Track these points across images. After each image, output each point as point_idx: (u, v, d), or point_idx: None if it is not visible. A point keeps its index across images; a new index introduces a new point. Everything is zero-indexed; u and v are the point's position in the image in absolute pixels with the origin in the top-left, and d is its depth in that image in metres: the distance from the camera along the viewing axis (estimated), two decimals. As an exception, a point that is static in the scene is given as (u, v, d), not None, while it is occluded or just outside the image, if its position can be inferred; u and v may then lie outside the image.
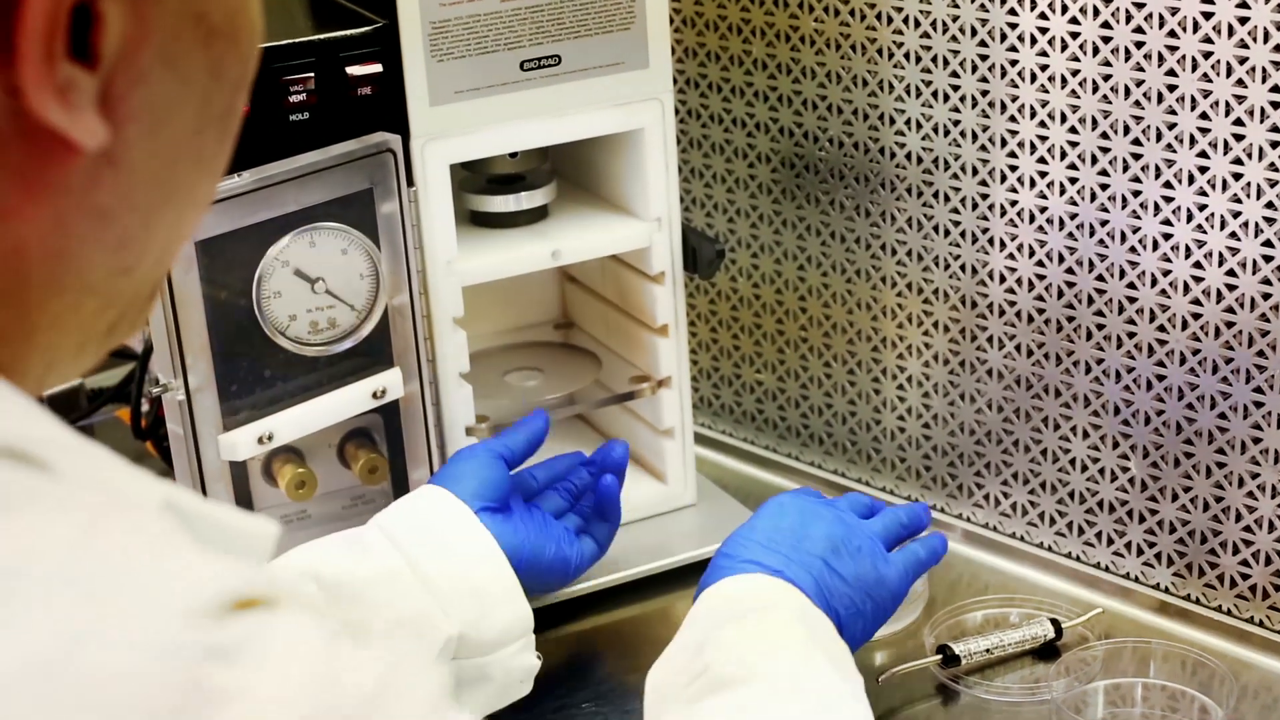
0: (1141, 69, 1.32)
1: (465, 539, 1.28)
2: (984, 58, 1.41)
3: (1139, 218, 1.36)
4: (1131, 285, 1.38)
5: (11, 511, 0.55)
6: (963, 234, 1.47)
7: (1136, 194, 1.36)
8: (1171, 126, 1.32)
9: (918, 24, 1.44)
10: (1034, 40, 1.37)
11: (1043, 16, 1.36)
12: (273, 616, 0.55)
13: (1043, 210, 1.42)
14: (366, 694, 0.56)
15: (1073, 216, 1.40)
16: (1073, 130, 1.38)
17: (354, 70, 1.33)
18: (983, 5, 1.40)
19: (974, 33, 1.41)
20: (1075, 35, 1.35)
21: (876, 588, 1.22)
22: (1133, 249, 1.37)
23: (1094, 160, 1.37)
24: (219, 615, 0.54)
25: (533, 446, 1.38)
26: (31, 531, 0.54)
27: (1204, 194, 1.32)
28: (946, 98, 1.45)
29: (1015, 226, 1.44)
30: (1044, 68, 1.38)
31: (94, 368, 0.67)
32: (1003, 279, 1.46)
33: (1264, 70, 1.26)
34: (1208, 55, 1.28)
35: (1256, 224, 1.30)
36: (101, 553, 0.55)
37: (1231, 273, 1.32)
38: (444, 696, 0.59)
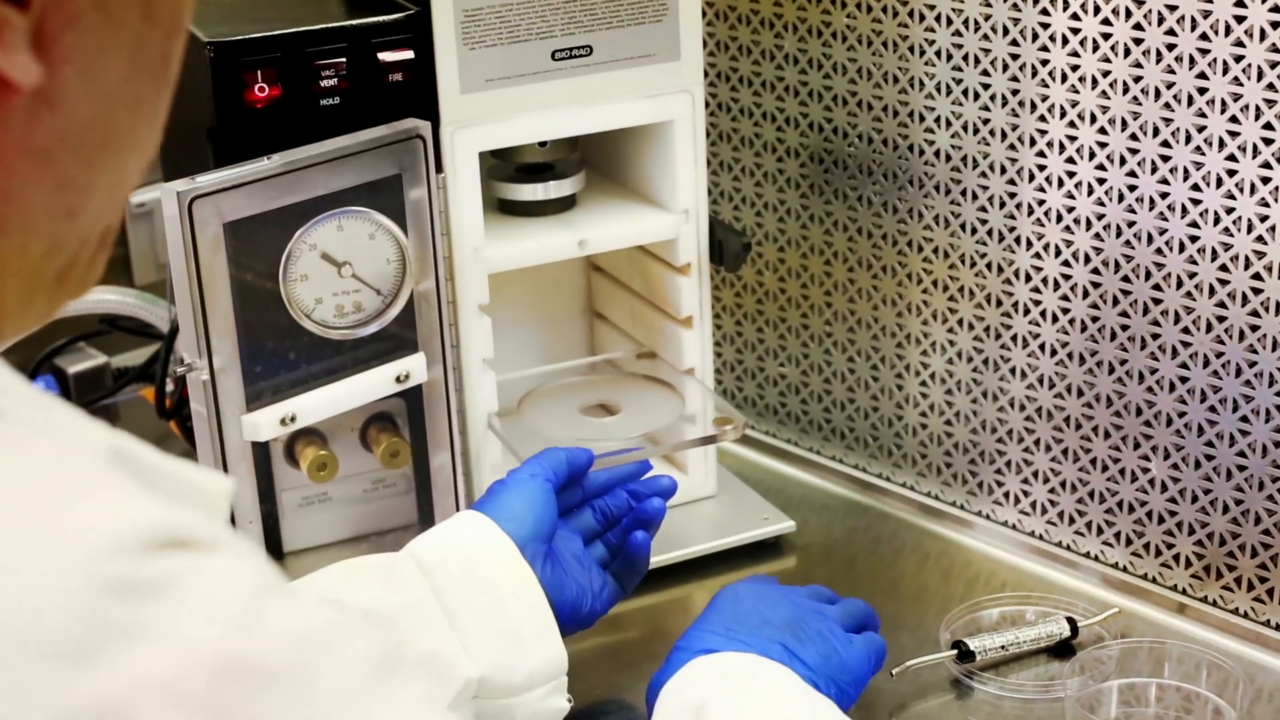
0: (1172, 71, 1.32)
1: (503, 574, 1.20)
2: (1015, 57, 1.41)
3: (1166, 220, 1.36)
4: (1157, 287, 1.38)
5: None
6: (989, 232, 1.48)
7: (1164, 195, 1.36)
8: (1201, 129, 1.32)
9: (949, 22, 1.44)
10: (1065, 40, 1.37)
11: (1075, 17, 1.36)
12: (203, 560, 0.55)
13: (1070, 210, 1.42)
14: (289, 650, 0.55)
15: (1100, 217, 1.40)
16: (1102, 131, 1.38)
17: (386, 56, 1.34)
18: (1015, 4, 1.40)
19: (1005, 31, 1.41)
20: (1107, 36, 1.35)
21: (839, 672, 1.20)
22: (1159, 251, 1.37)
23: (1122, 161, 1.37)
24: (143, 553, 0.54)
25: (575, 477, 1.31)
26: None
27: (1231, 197, 1.32)
28: (976, 96, 1.45)
29: (1042, 226, 1.44)
30: (1075, 68, 1.38)
31: (50, 321, 0.68)
32: (1028, 278, 1.46)
33: (1294, 75, 1.26)
34: (1239, 59, 1.28)
35: (1283, 228, 1.30)
36: (34, 489, 0.55)
37: (1257, 276, 1.32)
38: (384, 664, 0.58)
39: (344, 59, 1.33)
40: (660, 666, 1.18)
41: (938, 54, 1.46)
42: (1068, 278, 1.43)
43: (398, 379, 1.36)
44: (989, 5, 1.41)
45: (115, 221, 0.68)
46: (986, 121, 1.45)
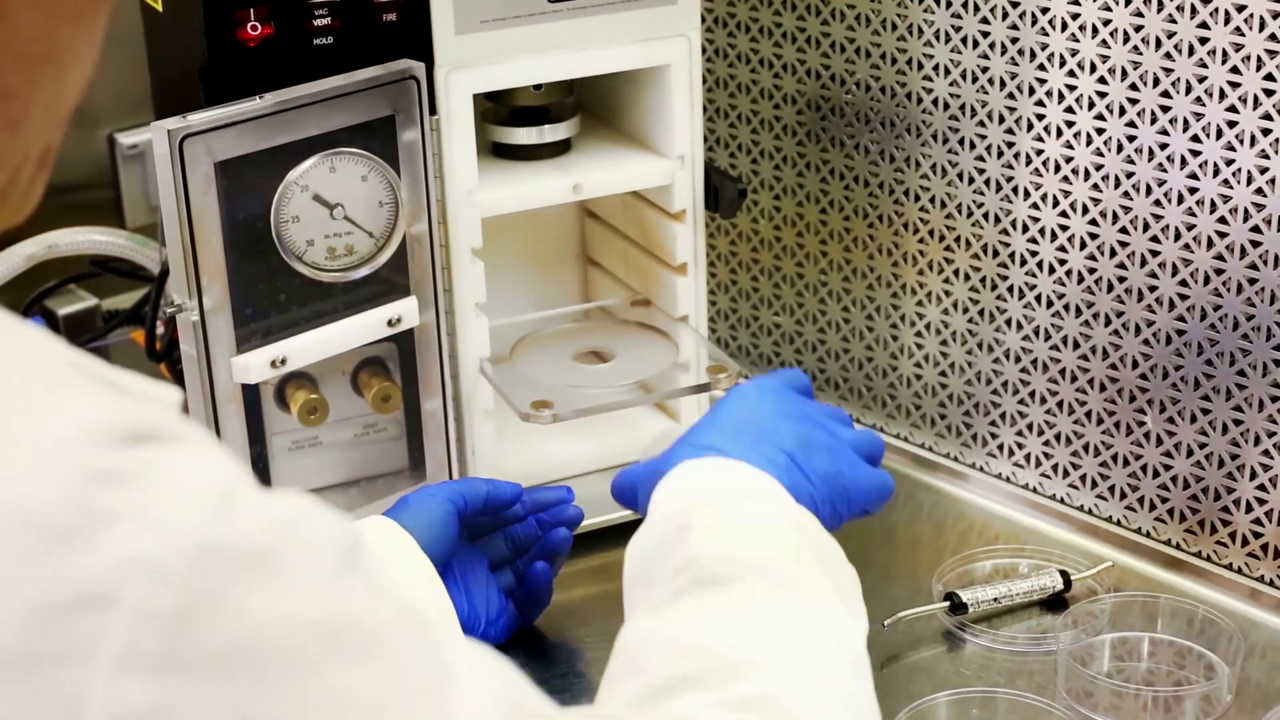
0: (1174, 20, 1.31)
1: (401, 565, 1.21)
2: (1015, 4, 1.40)
3: (1164, 171, 1.35)
4: (1155, 239, 1.37)
5: None
6: (987, 182, 1.47)
7: (1163, 147, 1.35)
8: (1201, 80, 1.31)
9: (949, -32, 1.43)
10: (1066, -12, 1.36)
11: (1076, -36, 1.35)
12: (175, 450, 0.56)
13: (1068, 160, 1.41)
14: (264, 537, 0.57)
15: (1098, 168, 1.39)
16: (1101, 80, 1.37)
17: (380, -4, 1.33)
18: (1015, -49, 1.39)
19: (1006, -21, 1.40)
20: (1108, -16, 1.34)
21: (840, 498, 1.14)
22: (1157, 202, 1.36)
23: (1122, 111, 1.36)
24: (118, 444, 0.55)
25: (491, 511, 1.31)
26: None
27: (1231, 149, 1.31)
28: (976, 44, 1.44)
29: (1040, 176, 1.43)
30: (1075, 16, 1.36)
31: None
32: (1025, 228, 1.45)
33: (1297, 25, 1.25)
34: (1241, 8, 1.27)
35: (1283, 181, 1.29)
36: (5, 385, 0.56)
37: (1256, 229, 1.31)
38: (352, 552, 0.60)
39: (338, -2, 1.31)
40: (664, 453, 1.14)
41: (937, 1, 1.45)
42: (1065, 228, 1.42)
43: (389, 323, 1.35)
44: (990, -48, 1.40)
45: (55, 142, 0.68)
46: (985, 70, 1.44)
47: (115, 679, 0.53)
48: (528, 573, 1.32)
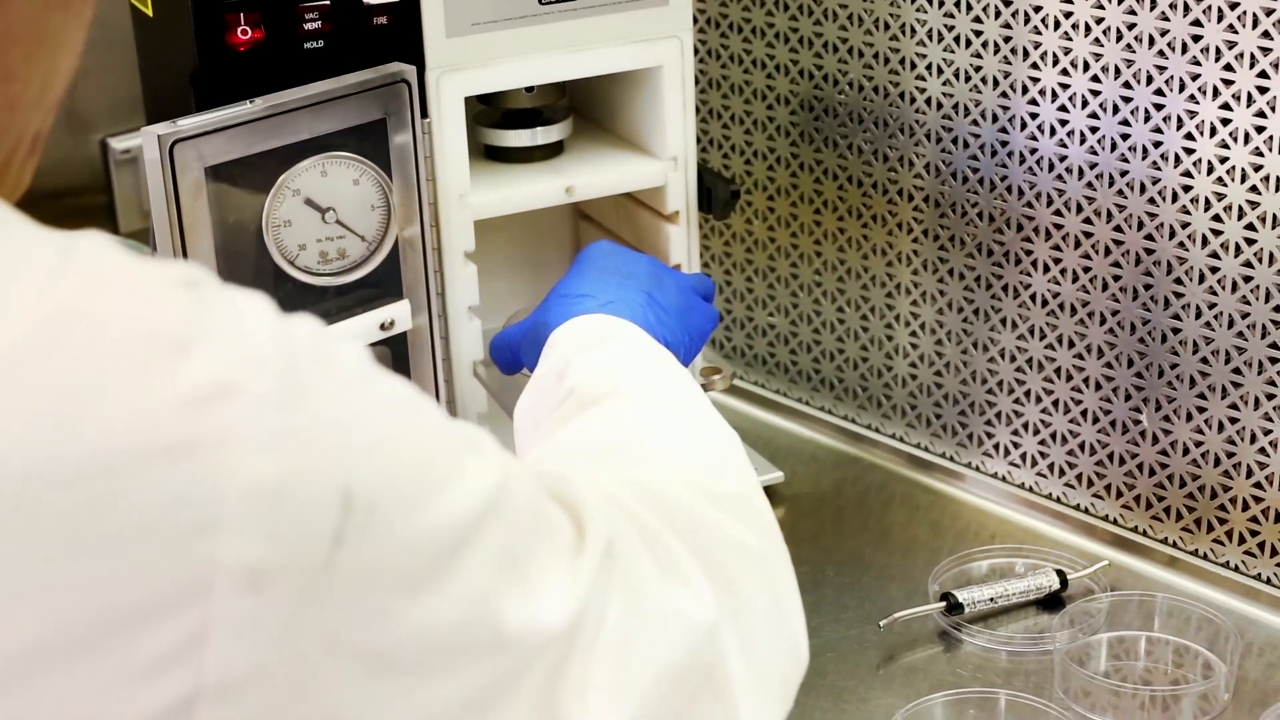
0: (1166, 18, 1.31)
1: None
2: (1007, 3, 1.39)
3: (1159, 169, 1.35)
4: (1149, 237, 1.37)
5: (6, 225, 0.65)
6: (980, 181, 1.46)
7: (1157, 144, 1.34)
8: (1195, 77, 1.31)
9: (941, -33, 1.43)
10: (1058, -14, 1.36)
11: (1068, -38, 1.35)
12: (220, 289, 0.66)
13: (1062, 159, 1.40)
14: (315, 340, 0.67)
15: (1092, 166, 1.39)
16: (1095, 79, 1.36)
17: (370, -1, 1.32)
18: (1008, -51, 1.38)
19: (998, -23, 1.40)
20: (1100, -18, 1.34)
21: (693, 329, 1.26)
22: (1152, 200, 1.36)
23: (1115, 110, 1.36)
24: (184, 285, 0.64)
25: None
26: (21, 240, 0.63)
27: (1225, 146, 1.31)
28: (968, 43, 1.43)
29: (1034, 174, 1.42)
30: (1068, 14, 1.36)
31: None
32: (1020, 227, 1.45)
33: (1290, 22, 1.25)
34: (1234, 6, 1.27)
35: (1278, 178, 1.29)
36: (85, 249, 0.64)
37: (1250, 226, 1.31)
38: (369, 356, 0.71)
39: (328, 1, 1.31)
40: (539, 307, 1.24)
41: (929, 0, 1.45)
42: (1059, 227, 1.42)
43: (382, 326, 1.35)
44: (982, -49, 1.40)
45: (45, 127, 0.73)
46: (978, 68, 1.43)
47: (247, 456, 0.62)
48: None
